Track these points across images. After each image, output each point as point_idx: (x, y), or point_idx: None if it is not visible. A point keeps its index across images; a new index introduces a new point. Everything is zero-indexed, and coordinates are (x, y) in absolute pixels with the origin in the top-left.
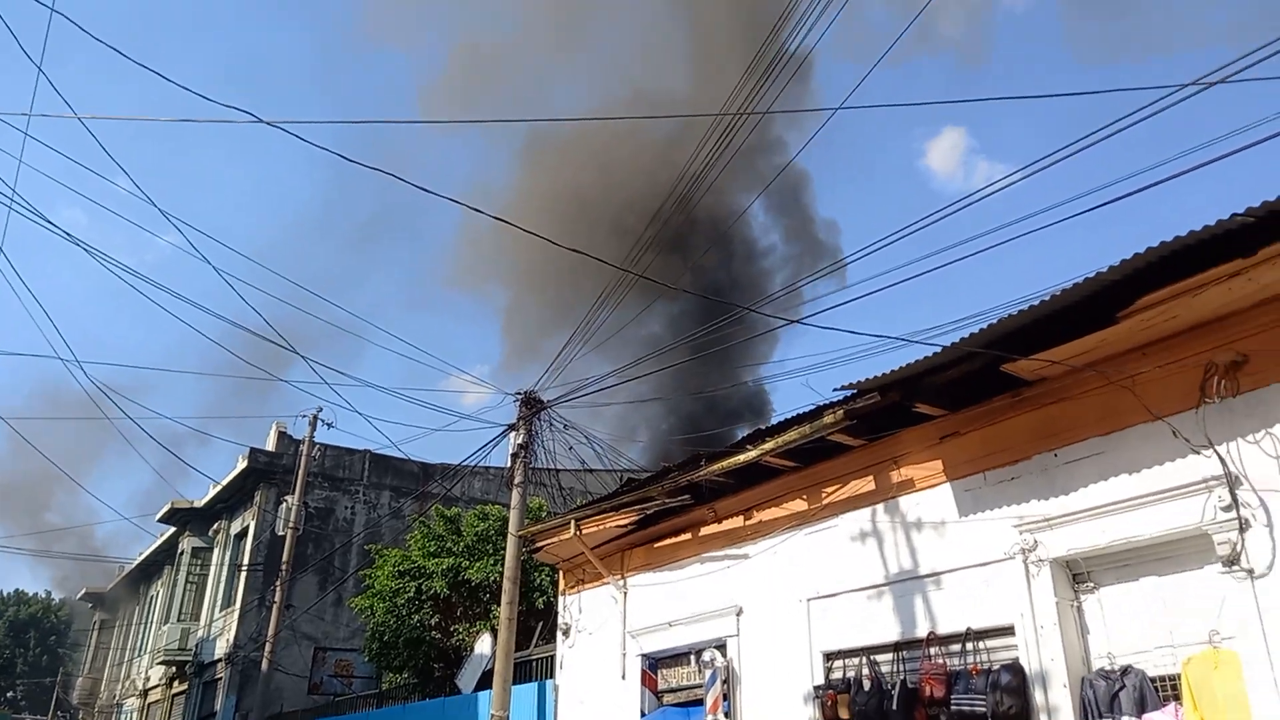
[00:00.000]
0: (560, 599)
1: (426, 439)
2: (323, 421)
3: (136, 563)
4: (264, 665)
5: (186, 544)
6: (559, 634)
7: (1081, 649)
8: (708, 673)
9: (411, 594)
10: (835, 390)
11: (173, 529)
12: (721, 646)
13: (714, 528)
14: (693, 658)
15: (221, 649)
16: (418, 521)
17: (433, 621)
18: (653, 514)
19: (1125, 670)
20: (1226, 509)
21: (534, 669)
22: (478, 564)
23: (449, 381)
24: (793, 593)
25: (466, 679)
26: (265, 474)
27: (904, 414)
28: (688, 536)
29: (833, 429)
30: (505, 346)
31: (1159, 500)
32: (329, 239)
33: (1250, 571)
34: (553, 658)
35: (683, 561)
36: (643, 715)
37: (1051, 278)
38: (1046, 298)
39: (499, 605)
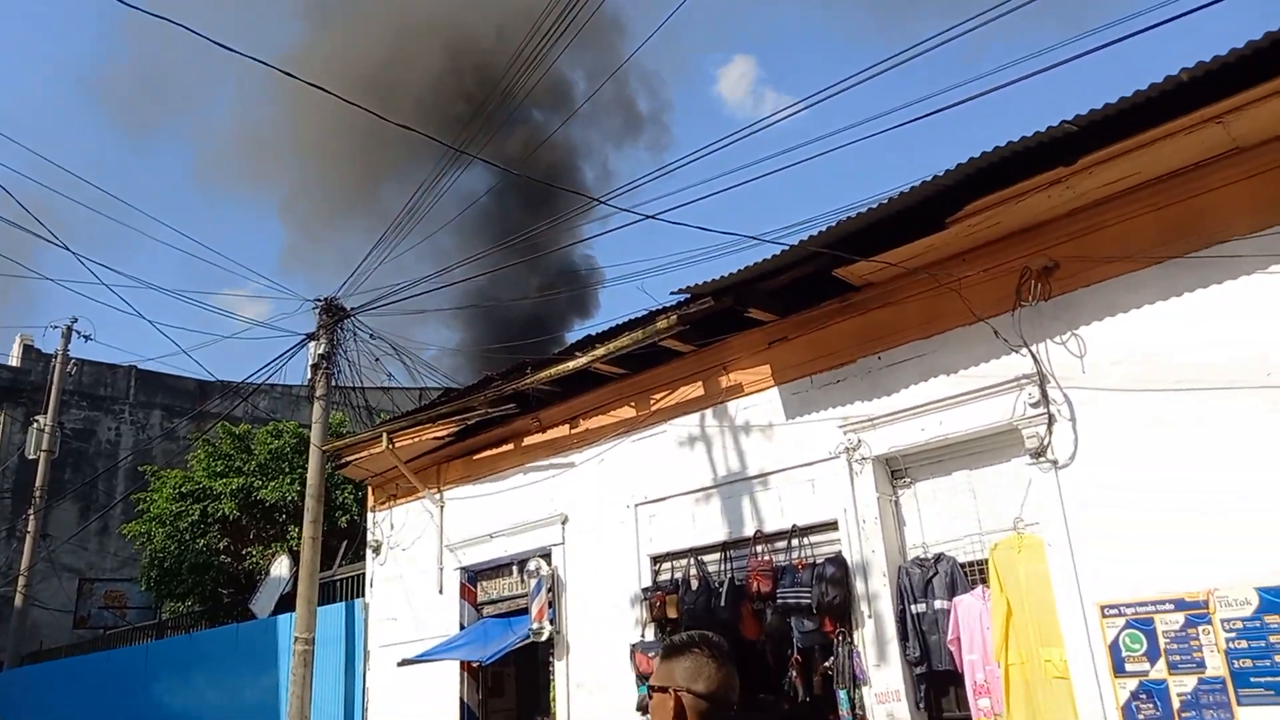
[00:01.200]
0: (369, 516)
1: (209, 351)
2: (78, 333)
3: None
4: (17, 601)
5: None
6: (369, 552)
7: (899, 540)
8: (532, 582)
9: (195, 517)
10: (673, 294)
11: None
12: (546, 555)
13: (538, 437)
14: (515, 568)
15: None
16: (200, 440)
17: (221, 545)
18: (473, 425)
19: (938, 558)
20: (1035, 405)
21: (339, 589)
22: (272, 483)
23: (233, 288)
24: (620, 499)
25: (262, 603)
26: (8, 392)
27: (734, 320)
28: (510, 447)
29: (666, 334)
30: (286, 239)
31: (974, 399)
32: (84, 110)
33: (1055, 462)
34: (360, 577)
35: (505, 472)
36: (462, 628)
37: (852, 198)
38: (875, 205)
39: (296, 526)
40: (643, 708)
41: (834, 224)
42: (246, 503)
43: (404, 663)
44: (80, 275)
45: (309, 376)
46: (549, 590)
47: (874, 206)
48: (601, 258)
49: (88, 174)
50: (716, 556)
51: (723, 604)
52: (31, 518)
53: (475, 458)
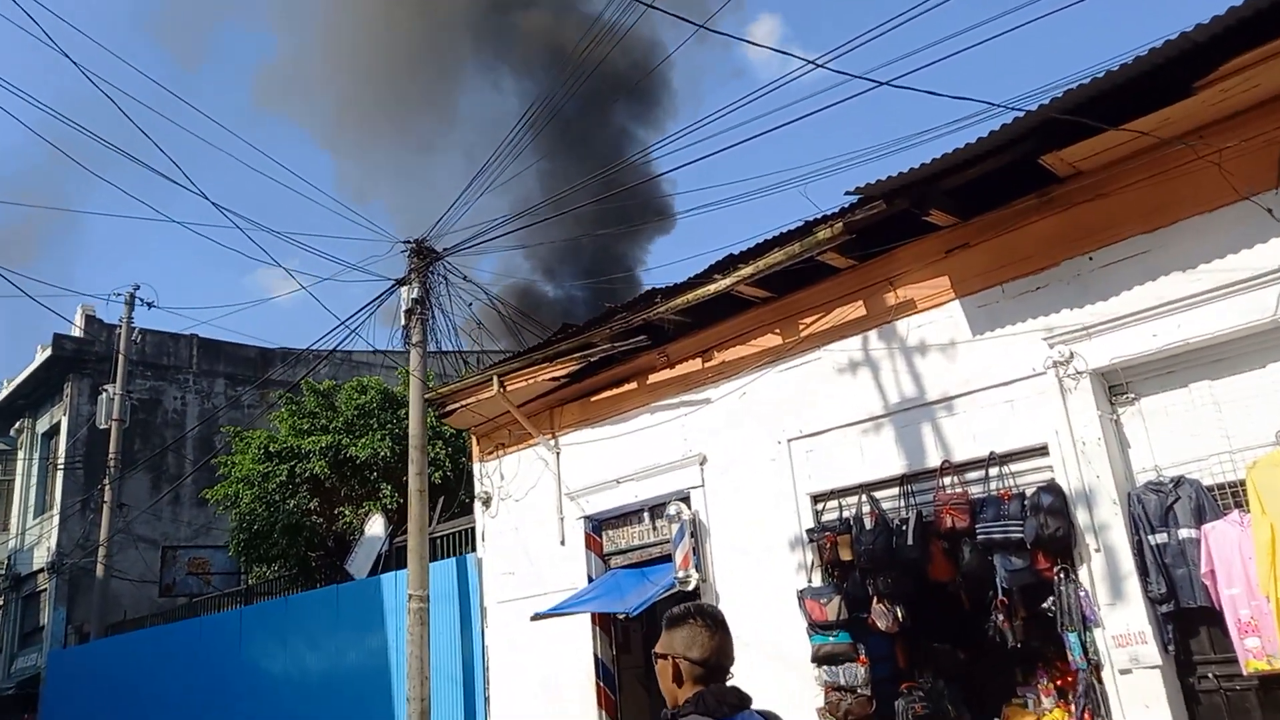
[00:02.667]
0: (476, 466)
1: (273, 313)
2: (141, 300)
3: None
4: (99, 571)
5: None
6: (478, 504)
7: (1124, 464)
8: (674, 527)
9: (284, 477)
10: (848, 193)
11: None
12: (685, 499)
13: (666, 374)
14: (646, 515)
15: (42, 558)
16: (283, 398)
17: (312, 506)
18: (593, 364)
19: (1178, 481)
20: None
21: (442, 546)
22: (362, 440)
23: (294, 239)
24: (768, 434)
25: (358, 564)
26: (74, 363)
27: (902, 228)
28: (633, 386)
29: (827, 246)
30: (338, 170)
31: (1222, 295)
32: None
33: None
34: (465, 532)
35: (628, 413)
36: (590, 580)
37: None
38: (1102, 74)
39: (388, 484)
40: (820, 658)
41: (1051, 100)
42: (335, 461)
43: (537, 617)
44: (132, 222)
45: (403, 323)
46: (692, 535)
47: (1100, 76)
48: (692, 181)
49: (140, 113)
50: (893, 491)
51: (909, 542)
52: (108, 487)
53: (594, 399)
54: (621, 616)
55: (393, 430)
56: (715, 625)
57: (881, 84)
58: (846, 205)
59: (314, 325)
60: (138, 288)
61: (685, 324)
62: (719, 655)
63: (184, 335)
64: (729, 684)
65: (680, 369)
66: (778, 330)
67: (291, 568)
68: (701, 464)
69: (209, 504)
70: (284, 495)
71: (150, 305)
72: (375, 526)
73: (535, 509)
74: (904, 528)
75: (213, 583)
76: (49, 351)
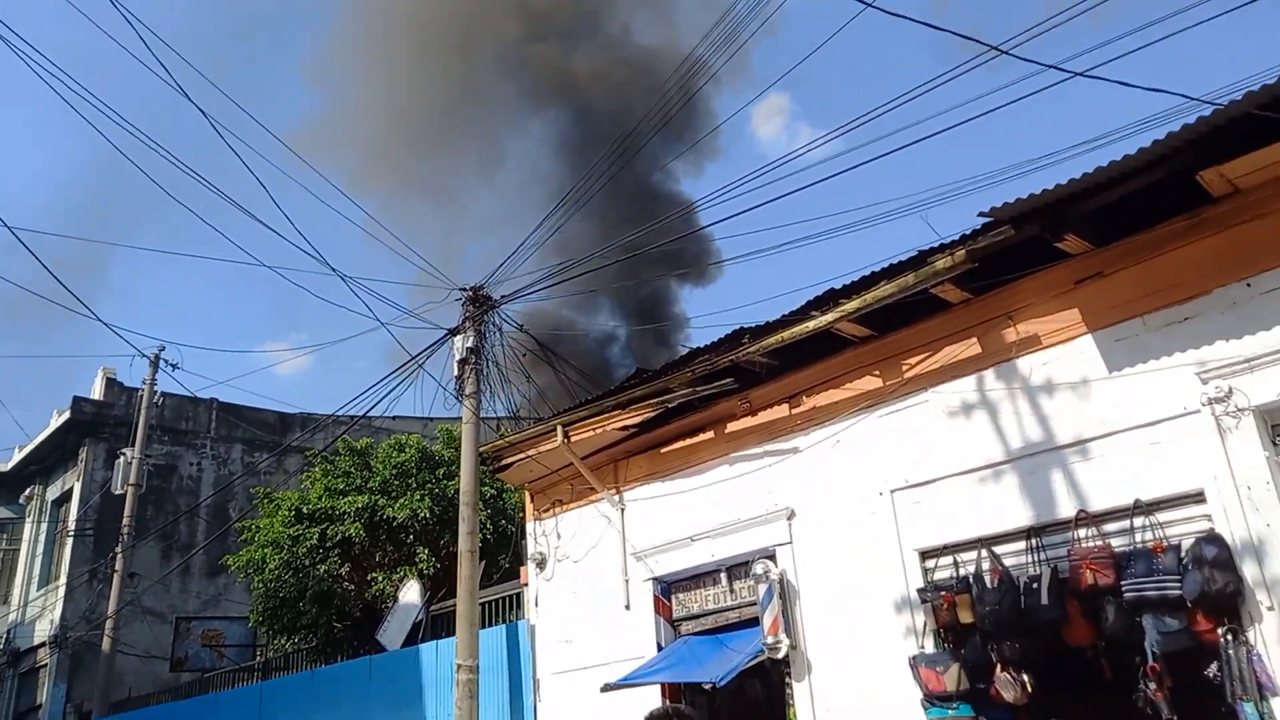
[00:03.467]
0: (530, 526)
1: (297, 378)
2: (165, 362)
3: None
4: (105, 645)
5: None
6: (530, 567)
7: None
8: (761, 588)
9: (314, 541)
10: (980, 214)
11: None
12: (770, 557)
13: (747, 421)
14: (723, 575)
15: (44, 632)
16: (319, 458)
17: (342, 571)
18: (663, 413)
19: None
20: None
21: (485, 614)
22: (400, 500)
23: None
24: (867, 485)
25: (391, 634)
26: (92, 427)
27: (1024, 258)
28: (709, 436)
29: (947, 276)
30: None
31: None
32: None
33: None
34: (511, 598)
35: (704, 465)
36: (659, 648)
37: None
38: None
39: (425, 548)
40: None
41: (1213, 111)
42: (370, 523)
43: (608, 688)
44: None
45: (455, 373)
46: (780, 597)
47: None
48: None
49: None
50: (1018, 546)
51: (1044, 602)
52: (119, 555)
53: (663, 451)
54: (708, 686)
55: (432, 490)
56: None
57: (1074, 75)
58: (966, 233)
59: (340, 389)
60: (163, 348)
61: (772, 367)
62: None
63: (204, 400)
64: None
65: (764, 416)
66: (877, 372)
67: (318, 638)
68: (789, 519)
69: (223, 574)
70: (314, 560)
71: (175, 367)
72: (410, 594)
73: (596, 571)
74: (1035, 586)
75: (226, 656)
76: (66, 415)
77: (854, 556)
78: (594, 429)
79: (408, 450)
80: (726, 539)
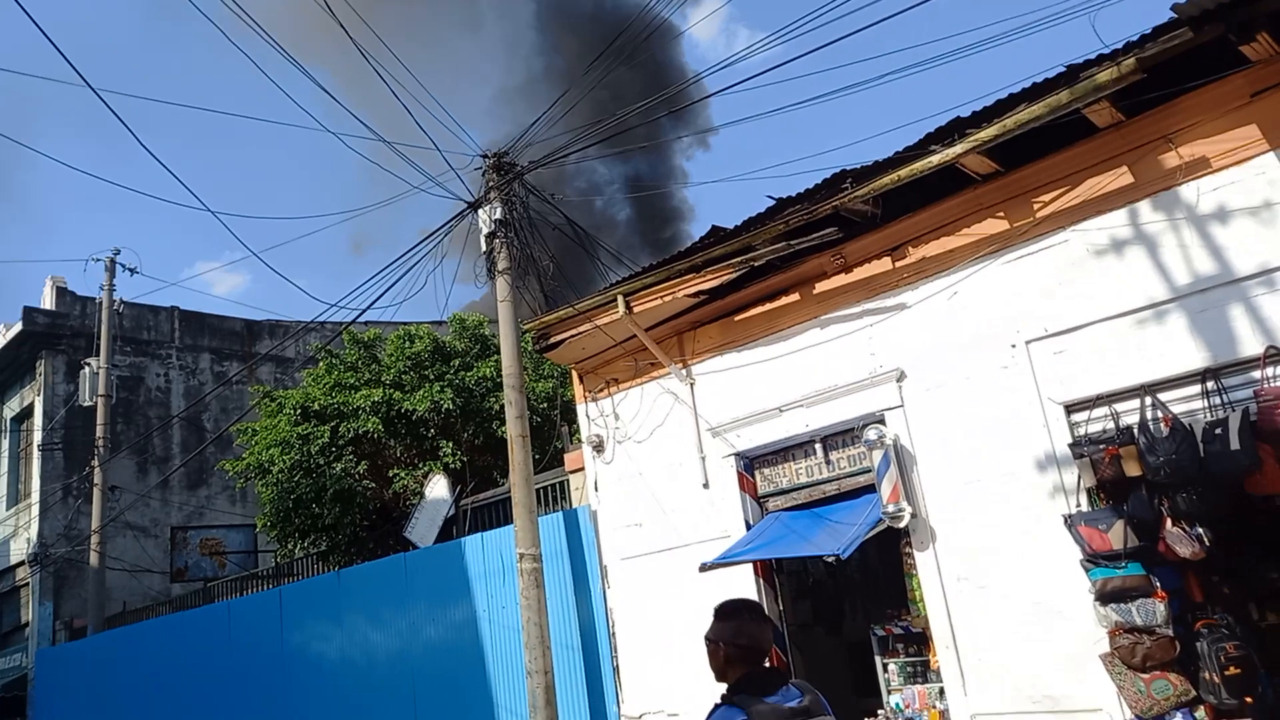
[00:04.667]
0: (583, 408)
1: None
2: (122, 265)
3: None
4: (93, 560)
5: None
6: (586, 450)
7: None
8: (876, 454)
9: (325, 439)
10: (1174, 7)
11: None
12: (879, 422)
13: (839, 279)
14: (818, 446)
15: (18, 552)
16: (321, 352)
17: (359, 469)
18: (738, 277)
19: None
20: None
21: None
22: (419, 392)
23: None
24: (995, 338)
25: (421, 531)
26: (47, 338)
27: (1192, 68)
28: (794, 298)
29: (1108, 91)
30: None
31: None
32: None
33: None
34: (559, 485)
35: (788, 330)
36: (748, 526)
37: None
38: None
39: (449, 441)
40: (1106, 594)
41: None
42: (386, 418)
43: (706, 567)
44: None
45: (484, 248)
46: (896, 463)
47: None
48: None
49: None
50: (1189, 391)
51: (1233, 447)
52: (97, 469)
53: (739, 319)
54: (830, 559)
55: (452, 381)
56: (759, 618)
57: None
58: (1132, 40)
59: (333, 283)
60: (118, 252)
61: (871, 216)
62: (761, 642)
63: (164, 308)
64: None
65: (861, 272)
66: (1001, 213)
67: (339, 539)
68: (899, 380)
69: (204, 485)
70: (328, 459)
71: (132, 272)
72: (438, 488)
73: (665, 450)
74: (1219, 431)
75: (228, 564)
76: (18, 327)
77: (981, 416)
78: (661, 297)
79: (420, 341)
80: (821, 408)
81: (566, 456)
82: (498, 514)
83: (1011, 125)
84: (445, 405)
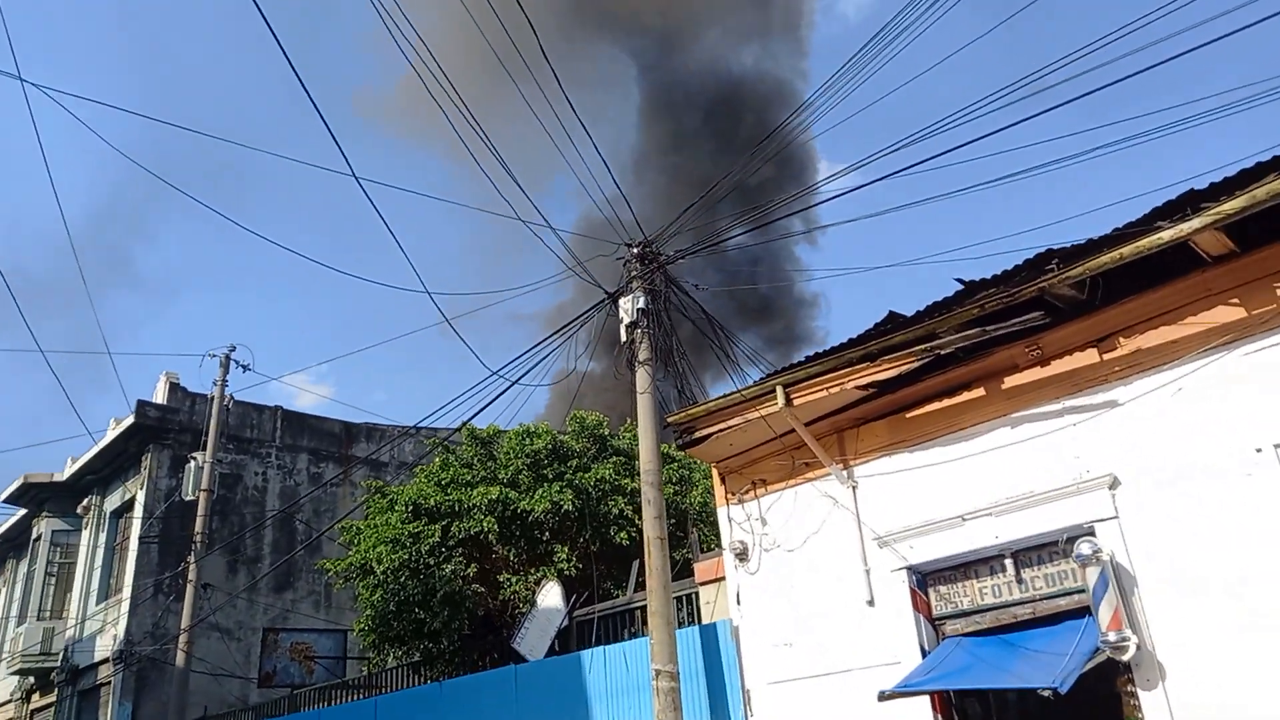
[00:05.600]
0: (725, 511)
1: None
2: (236, 362)
3: None
4: (179, 660)
5: (45, 527)
6: (728, 557)
7: None
8: (1091, 573)
9: (436, 538)
10: None
11: (22, 511)
12: (1085, 535)
13: (1032, 374)
14: (1008, 563)
15: (105, 648)
16: (438, 448)
17: (469, 572)
18: (911, 371)
19: None
20: None
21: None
22: (539, 492)
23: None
24: (1234, 441)
25: (532, 642)
26: (155, 433)
27: None
28: (977, 394)
29: None
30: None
31: None
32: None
33: None
34: (689, 597)
35: (968, 430)
36: (924, 651)
37: None
38: None
39: (564, 546)
40: None
41: None
42: (501, 518)
43: (885, 696)
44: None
45: (624, 338)
46: (1115, 584)
47: None
48: None
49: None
50: None
51: None
52: (191, 565)
53: (910, 415)
54: (1047, 693)
55: (571, 482)
56: None
57: None
58: None
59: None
60: (233, 348)
61: (1075, 303)
62: None
63: (268, 407)
64: None
65: (1060, 365)
66: (1235, 299)
67: (442, 648)
68: (1111, 488)
69: (290, 589)
70: (437, 559)
71: (245, 369)
72: (551, 597)
73: (821, 561)
74: None
75: (316, 670)
76: (129, 420)
77: (1221, 530)
78: (827, 388)
79: (539, 438)
80: (1013, 517)
81: (696, 566)
82: (614, 628)
83: (1263, 197)
84: (565, 506)
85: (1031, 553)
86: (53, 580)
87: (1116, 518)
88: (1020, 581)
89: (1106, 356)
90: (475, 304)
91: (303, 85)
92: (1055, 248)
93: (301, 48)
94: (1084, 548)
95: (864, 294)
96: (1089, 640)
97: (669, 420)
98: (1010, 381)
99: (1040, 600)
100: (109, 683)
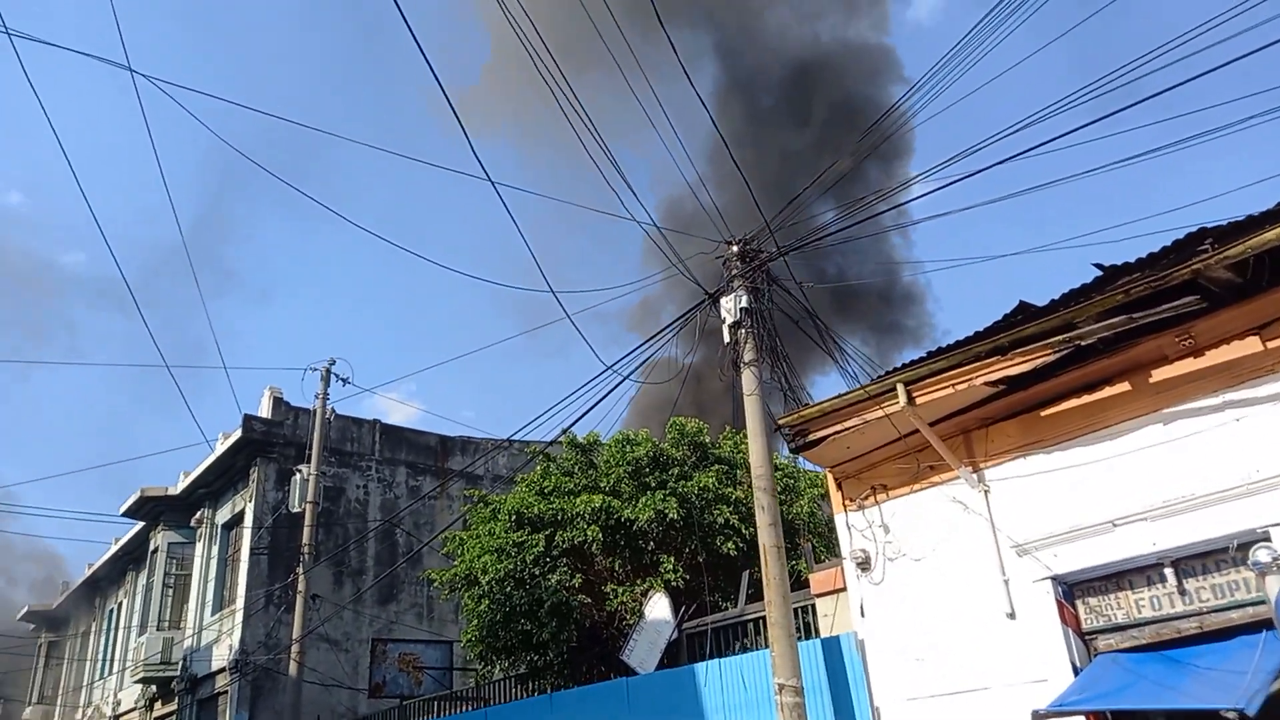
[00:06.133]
0: (843, 519)
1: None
2: (336, 376)
3: (102, 561)
4: (292, 670)
5: (161, 539)
6: (849, 567)
7: None
8: (1272, 582)
9: (540, 548)
10: None
11: (140, 524)
12: (1264, 540)
13: (1184, 365)
14: (1169, 572)
15: (220, 658)
16: (538, 455)
17: (574, 582)
18: (1049, 365)
19: None
20: None
21: (759, 630)
22: (642, 501)
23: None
24: None
25: (640, 655)
26: (262, 446)
27: None
28: (1121, 389)
29: None
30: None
31: None
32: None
33: None
34: (805, 609)
35: (1113, 429)
36: (1075, 669)
37: None
38: None
39: (671, 556)
40: None
41: None
42: (605, 526)
43: (1039, 716)
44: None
45: (729, 339)
46: None
47: None
48: None
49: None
50: None
51: None
52: (301, 576)
53: (1045, 413)
54: (1231, 715)
55: (674, 490)
56: None
57: None
58: None
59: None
60: (334, 362)
61: (1234, 287)
62: None
63: (366, 420)
64: None
65: (1216, 355)
66: None
67: (550, 659)
68: None
69: (393, 601)
70: (542, 569)
71: (345, 382)
72: (659, 609)
73: (951, 570)
74: None
75: (424, 681)
76: (237, 434)
77: None
78: (953, 385)
79: (640, 446)
80: (1171, 522)
81: (812, 577)
82: (723, 641)
83: None
84: (670, 515)
85: (1195, 561)
86: (170, 591)
87: None
88: (1183, 593)
89: (1270, 345)
90: (558, 306)
91: (438, 81)
92: (1209, 226)
93: (361, 49)
94: (1262, 554)
95: (960, 290)
96: (1272, 658)
97: (780, 422)
98: (1159, 374)
99: (1208, 613)
100: (226, 692)
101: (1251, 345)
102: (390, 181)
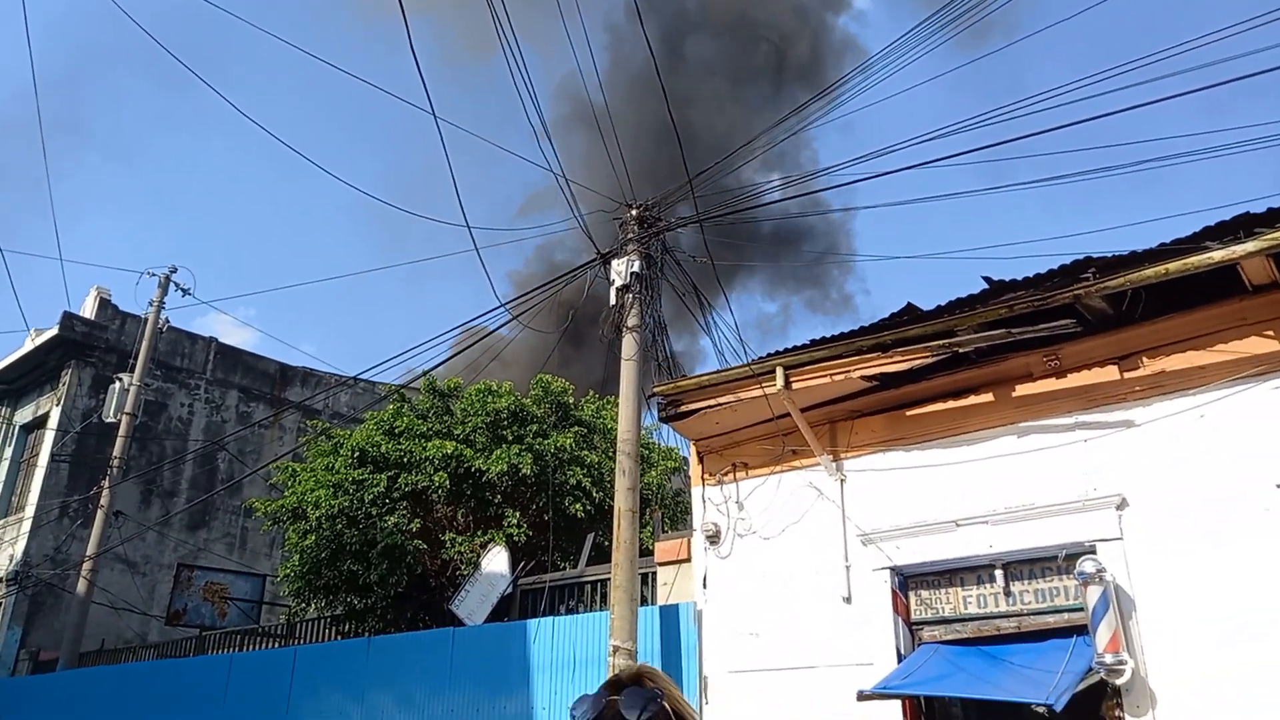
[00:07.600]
0: (699, 492)
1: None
2: (176, 285)
3: None
4: (80, 588)
5: None
6: (698, 539)
7: None
8: (1092, 592)
9: (381, 488)
10: None
11: None
12: (1085, 554)
13: (1047, 384)
14: (999, 574)
15: (1, 566)
16: (394, 393)
17: (412, 527)
18: (918, 368)
19: None
20: None
21: (595, 594)
22: (496, 453)
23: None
24: (1254, 477)
25: (470, 606)
26: (79, 349)
27: None
28: (985, 398)
29: None
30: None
31: None
32: None
33: None
34: (648, 576)
35: (972, 435)
36: (900, 655)
37: None
38: None
39: (516, 510)
40: None
41: None
42: (454, 475)
43: (864, 696)
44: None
45: (615, 303)
46: (1115, 606)
47: None
48: None
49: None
50: None
51: None
52: (106, 489)
53: (911, 413)
54: (1040, 709)
55: (531, 446)
56: None
57: None
58: None
59: (383, 337)
60: (174, 270)
61: (1103, 316)
62: None
63: (202, 337)
64: None
65: (1077, 378)
66: (1271, 331)
67: (372, 603)
68: (1119, 508)
69: (204, 528)
70: (380, 510)
71: (185, 292)
72: (497, 562)
73: (798, 552)
74: None
75: (229, 614)
76: (52, 331)
77: (1232, 563)
78: (830, 375)
79: (502, 398)
80: (1011, 528)
81: (657, 545)
82: (558, 600)
83: None
84: (523, 470)
85: (1024, 565)
86: None
87: (1121, 539)
88: (1008, 594)
89: (1128, 375)
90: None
91: None
92: (1094, 256)
93: None
94: (1087, 565)
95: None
96: (1081, 660)
97: (655, 390)
98: (1022, 390)
99: (1027, 615)
100: (1, 604)
101: (1110, 373)
102: (298, 84)
